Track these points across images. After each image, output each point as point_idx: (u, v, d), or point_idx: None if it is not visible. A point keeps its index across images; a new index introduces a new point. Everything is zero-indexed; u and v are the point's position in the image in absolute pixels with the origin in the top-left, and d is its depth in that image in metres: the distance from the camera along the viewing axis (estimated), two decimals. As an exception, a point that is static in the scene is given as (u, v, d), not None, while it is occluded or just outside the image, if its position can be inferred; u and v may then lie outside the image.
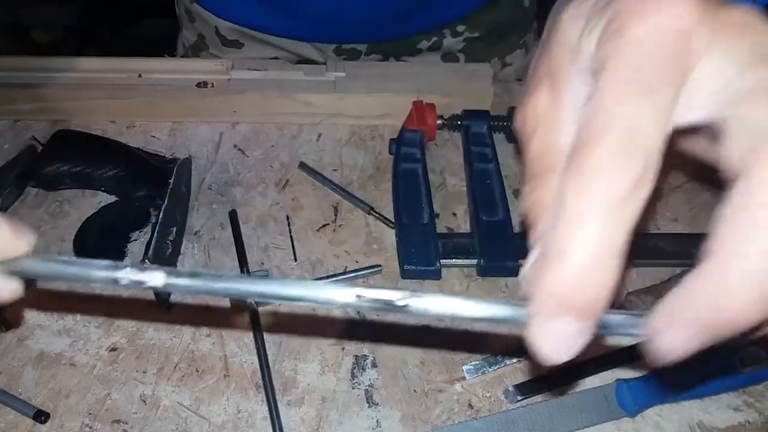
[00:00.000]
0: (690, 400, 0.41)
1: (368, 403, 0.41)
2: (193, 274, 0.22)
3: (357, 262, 0.49)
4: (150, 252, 0.44)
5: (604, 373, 0.42)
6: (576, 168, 0.19)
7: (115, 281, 0.23)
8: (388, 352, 0.44)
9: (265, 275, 0.21)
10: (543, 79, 0.23)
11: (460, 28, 0.68)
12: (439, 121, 0.55)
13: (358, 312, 0.46)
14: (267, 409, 0.40)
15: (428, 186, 0.51)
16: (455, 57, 0.70)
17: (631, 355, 0.42)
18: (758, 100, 0.19)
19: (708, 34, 0.19)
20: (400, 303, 0.22)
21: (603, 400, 0.40)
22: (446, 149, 0.57)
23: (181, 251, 0.49)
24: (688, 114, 0.20)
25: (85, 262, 0.23)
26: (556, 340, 0.19)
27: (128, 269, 0.23)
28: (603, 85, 0.19)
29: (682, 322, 0.19)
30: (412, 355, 0.44)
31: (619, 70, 0.19)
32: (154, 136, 0.58)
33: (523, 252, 0.23)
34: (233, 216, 0.50)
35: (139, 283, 0.23)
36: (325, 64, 0.60)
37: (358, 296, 0.22)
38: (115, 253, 0.47)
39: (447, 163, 0.55)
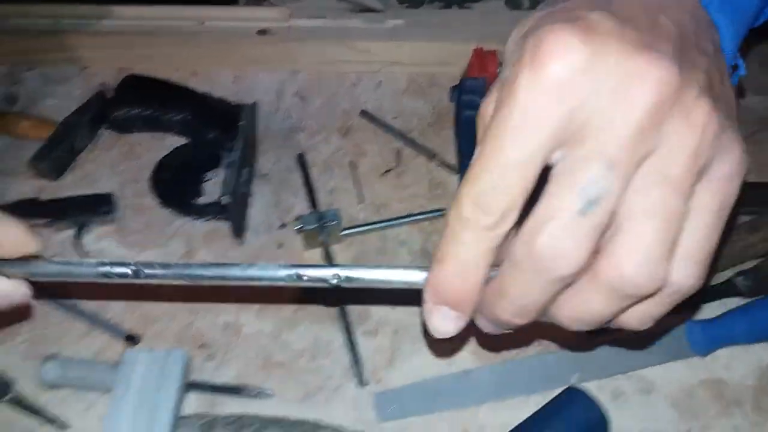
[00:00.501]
0: (760, 343, 0.42)
1: (438, 335, 0.43)
2: (165, 266, 0.29)
3: (421, 206, 0.50)
4: (227, 191, 0.46)
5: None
6: (455, 201, 0.24)
7: (105, 275, 0.29)
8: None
9: (224, 264, 0.29)
10: (495, 87, 0.26)
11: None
12: (500, 69, 0.55)
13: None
14: (343, 337, 0.43)
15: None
16: (518, 3, 0.69)
17: (701, 298, 0.43)
18: None
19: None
20: (333, 281, 0.28)
21: (674, 339, 0.41)
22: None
23: (252, 192, 0.51)
24: None
25: (77, 262, 0.30)
26: (438, 322, 0.26)
27: (110, 265, 0.29)
28: (485, 138, 0.23)
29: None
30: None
31: (498, 127, 0.23)
32: (217, 84, 0.59)
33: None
34: (301, 159, 0.52)
35: (124, 275, 0.29)
36: (383, 12, 0.60)
37: (298, 275, 0.29)
38: (191, 191, 0.49)
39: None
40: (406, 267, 0.28)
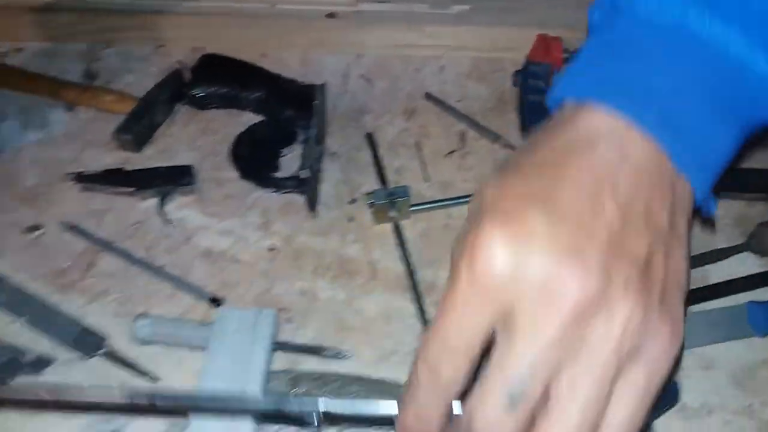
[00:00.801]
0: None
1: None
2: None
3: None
4: (306, 164, 0.48)
5: (736, 295, 0.44)
6: (415, 357, 0.28)
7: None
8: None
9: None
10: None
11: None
12: (564, 55, 0.56)
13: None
14: (414, 307, 0.45)
15: (556, 116, 0.53)
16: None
17: (763, 280, 0.44)
18: None
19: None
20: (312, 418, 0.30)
21: (734, 319, 0.42)
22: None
23: (322, 169, 0.53)
24: None
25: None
26: None
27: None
28: (436, 314, 0.27)
29: None
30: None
31: (443, 310, 0.26)
32: (285, 66, 0.61)
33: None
34: (370, 138, 0.54)
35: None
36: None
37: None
38: (269, 165, 0.51)
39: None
40: (380, 401, 0.30)
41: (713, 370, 0.42)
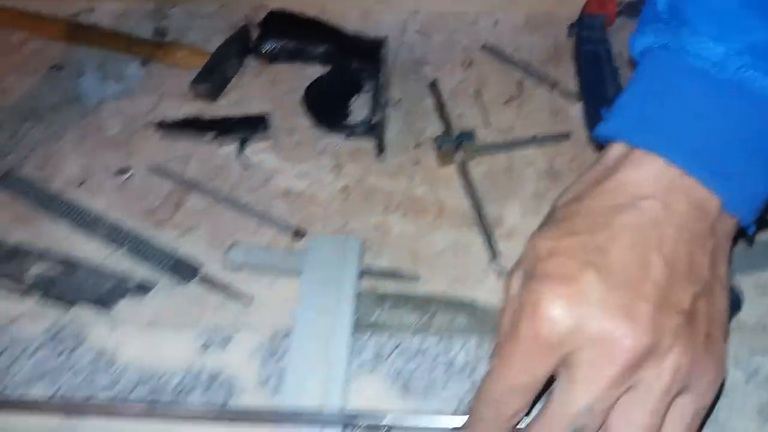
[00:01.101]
0: None
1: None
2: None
3: (544, 131, 0.55)
4: (378, 109, 0.52)
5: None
6: (477, 392, 0.32)
7: None
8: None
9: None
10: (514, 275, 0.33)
11: None
12: (618, 8, 0.58)
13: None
14: (481, 240, 0.48)
15: (612, 66, 0.55)
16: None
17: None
18: None
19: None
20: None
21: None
22: (626, 34, 0.60)
23: (388, 116, 0.56)
24: None
25: None
26: None
27: None
28: (498, 354, 0.31)
29: None
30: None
31: (505, 357, 0.30)
32: (345, 22, 0.64)
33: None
34: (434, 85, 0.57)
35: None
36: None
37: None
38: (340, 113, 0.55)
39: (625, 48, 0.59)
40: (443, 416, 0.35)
41: None
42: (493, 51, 0.60)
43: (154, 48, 0.62)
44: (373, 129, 0.53)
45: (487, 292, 0.46)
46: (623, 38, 0.60)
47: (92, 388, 0.42)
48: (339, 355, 0.39)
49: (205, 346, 0.44)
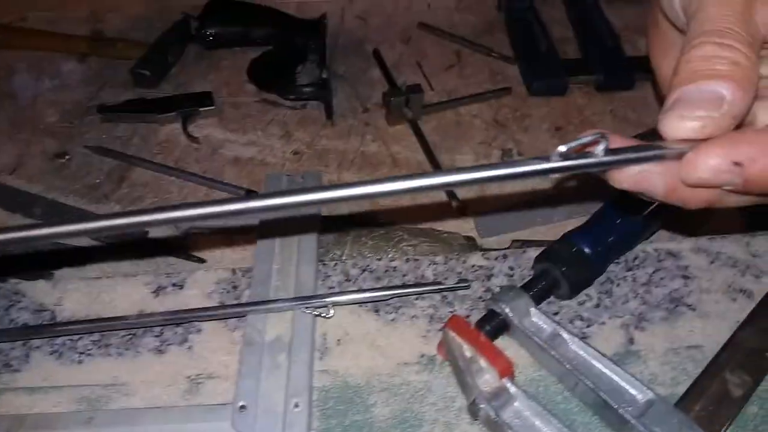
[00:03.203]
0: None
1: (518, 181, 0.49)
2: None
3: (486, 89, 0.57)
4: (320, 74, 0.52)
5: None
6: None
7: None
8: (527, 141, 0.52)
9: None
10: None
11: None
12: None
13: (496, 121, 0.54)
14: (437, 184, 0.48)
15: (543, 26, 0.59)
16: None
17: None
18: None
19: None
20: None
21: None
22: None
23: (333, 87, 0.57)
24: None
25: None
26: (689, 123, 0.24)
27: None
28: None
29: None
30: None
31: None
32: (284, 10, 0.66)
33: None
34: (377, 53, 0.58)
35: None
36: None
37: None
38: (287, 80, 0.55)
39: (550, 17, 0.63)
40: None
41: None
42: (430, 27, 0.62)
43: (91, 44, 0.61)
44: (322, 89, 0.53)
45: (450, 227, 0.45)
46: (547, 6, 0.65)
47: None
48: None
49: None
